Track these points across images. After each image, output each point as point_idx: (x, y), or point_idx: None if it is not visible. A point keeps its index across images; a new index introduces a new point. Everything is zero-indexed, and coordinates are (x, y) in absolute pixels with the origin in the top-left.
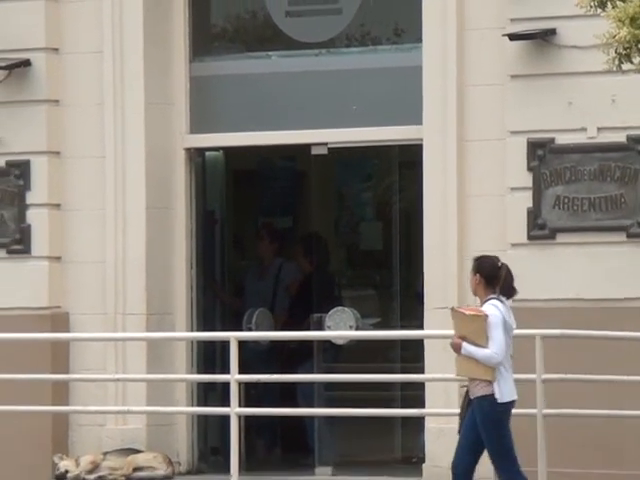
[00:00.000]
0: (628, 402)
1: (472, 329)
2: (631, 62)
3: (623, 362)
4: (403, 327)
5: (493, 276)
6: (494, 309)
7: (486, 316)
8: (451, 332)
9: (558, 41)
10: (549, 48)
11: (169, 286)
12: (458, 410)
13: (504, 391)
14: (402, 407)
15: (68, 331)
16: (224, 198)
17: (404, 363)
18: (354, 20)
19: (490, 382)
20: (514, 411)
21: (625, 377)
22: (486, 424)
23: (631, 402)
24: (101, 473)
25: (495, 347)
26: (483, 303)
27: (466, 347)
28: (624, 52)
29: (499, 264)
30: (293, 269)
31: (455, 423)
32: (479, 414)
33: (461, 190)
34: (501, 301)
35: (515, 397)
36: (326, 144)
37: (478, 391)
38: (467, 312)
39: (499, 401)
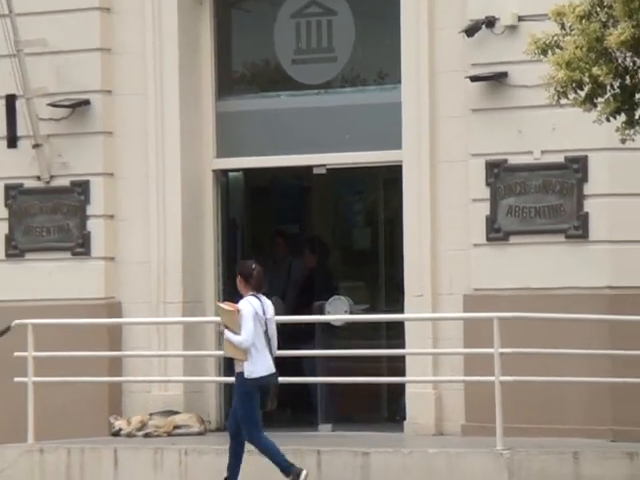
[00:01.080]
0: (567, 370)
1: (230, 320)
2: (567, 98)
3: (564, 338)
4: (387, 311)
5: (249, 275)
6: (247, 304)
7: (238, 310)
8: (425, 315)
9: (509, 82)
10: (502, 87)
11: (200, 280)
12: (432, 378)
13: (252, 369)
14: (388, 376)
15: (121, 317)
16: (244, 209)
17: (389, 340)
18: (346, 66)
19: (243, 362)
20: (479, 378)
21: (564, 350)
22: (238, 394)
23: (569, 370)
24: (148, 430)
25: (245, 335)
26: (243, 298)
27: (226, 334)
28: (562, 90)
29: (253, 266)
30: (300, 266)
31: (430, 389)
32: (235, 386)
33: (433, 201)
34: (257, 297)
35: (265, 373)
36: (325, 166)
37: (237, 368)
38: (225, 307)
39: (247, 377)
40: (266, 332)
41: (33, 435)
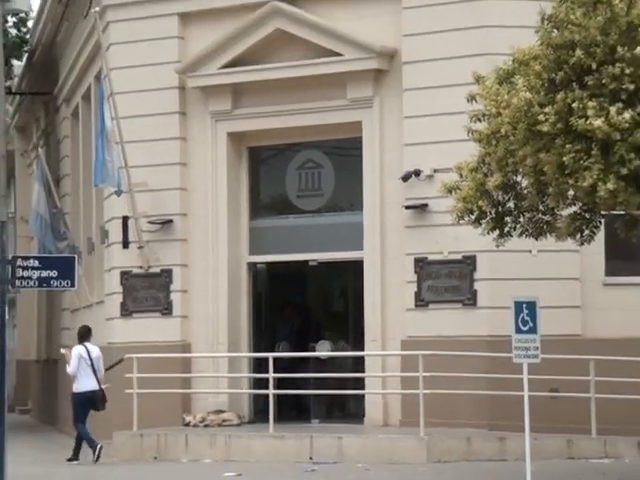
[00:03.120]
0: (463, 385)
1: (68, 357)
2: (464, 220)
3: (461, 365)
4: (354, 350)
5: (78, 335)
6: (75, 349)
7: (69, 353)
8: (378, 352)
9: (429, 209)
10: (425, 213)
11: (238, 330)
12: (382, 391)
13: (77, 387)
14: (354, 389)
15: (190, 352)
16: (266, 287)
17: (355, 367)
18: (329, 199)
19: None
20: (411, 391)
21: (461, 374)
22: (72, 403)
23: (464, 385)
24: (206, 423)
25: (69, 368)
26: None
27: (68, 366)
28: (460, 215)
29: (80, 330)
30: (299, 322)
31: (380, 397)
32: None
33: (382, 282)
34: (84, 345)
35: (88, 389)
36: (316, 260)
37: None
38: (63, 351)
39: (74, 391)
40: (91, 365)
41: (137, 425)
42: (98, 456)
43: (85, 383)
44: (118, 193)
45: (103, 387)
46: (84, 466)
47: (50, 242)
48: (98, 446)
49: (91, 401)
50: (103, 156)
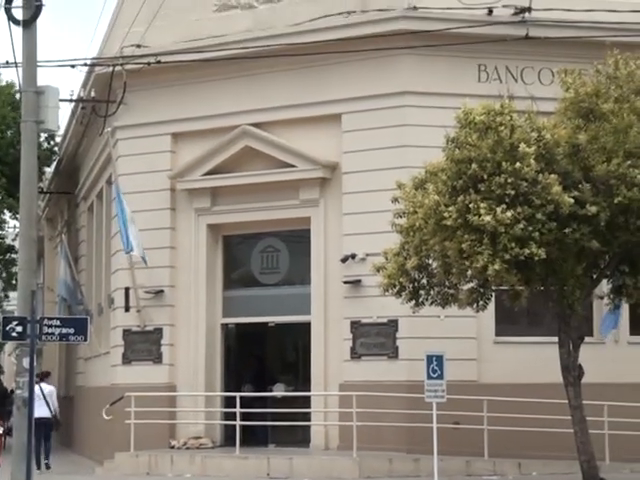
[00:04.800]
0: (386, 418)
1: None
2: (388, 292)
3: (387, 403)
4: (302, 391)
5: (39, 377)
6: (37, 386)
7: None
8: (321, 392)
9: (362, 284)
10: (359, 287)
11: (214, 374)
12: (323, 422)
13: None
14: (302, 421)
15: (175, 392)
16: (235, 342)
17: (303, 404)
18: (285, 275)
19: None
20: (346, 423)
21: (386, 410)
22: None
23: (387, 418)
24: (188, 445)
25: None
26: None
27: None
28: (386, 288)
29: (40, 374)
30: (260, 370)
31: (322, 427)
32: None
33: (326, 340)
34: (39, 385)
35: (40, 416)
36: (274, 322)
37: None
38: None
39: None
40: (44, 399)
41: (133, 447)
42: (39, 466)
43: (37, 412)
44: (144, 260)
45: (56, 415)
46: (89, 476)
47: (73, 303)
48: (43, 461)
49: (45, 426)
50: (127, 233)
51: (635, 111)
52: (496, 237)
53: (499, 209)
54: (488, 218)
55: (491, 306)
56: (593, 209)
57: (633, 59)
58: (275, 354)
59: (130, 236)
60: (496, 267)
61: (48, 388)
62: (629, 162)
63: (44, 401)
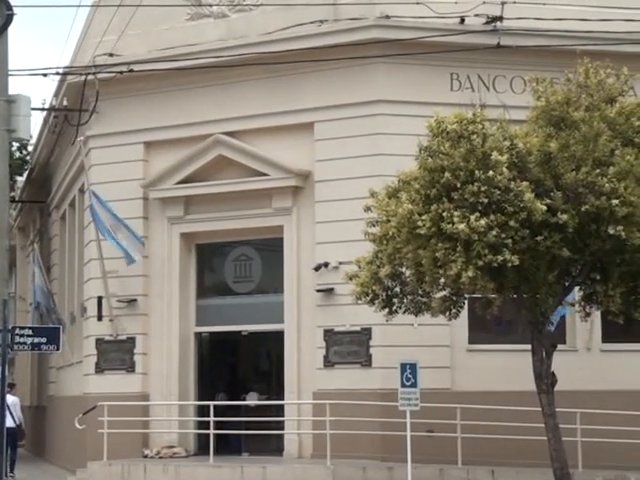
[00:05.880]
0: (362, 426)
1: None
2: (361, 299)
3: (360, 412)
4: (276, 399)
5: (8, 387)
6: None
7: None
8: (294, 401)
9: (335, 292)
10: (331, 295)
11: (187, 382)
12: (297, 431)
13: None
14: (276, 430)
15: (149, 401)
16: (208, 351)
17: (277, 413)
18: (258, 284)
19: None
20: (320, 431)
21: (360, 418)
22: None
23: (363, 426)
24: (161, 455)
25: None
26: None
27: None
28: (358, 296)
29: (9, 384)
30: (234, 379)
31: (296, 435)
32: None
33: (299, 348)
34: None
35: (8, 426)
36: (247, 331)
37: None
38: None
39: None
40: (8, 409)
41: (106, 456)
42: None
43: (8, 422)
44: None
45: (20, 425)
46: None
47: (49, 309)
48: (8, 474)
49: (10, 435)
50: (118, 242)
51: (605, 119)
52: (470, 245)
53: (473, 217)
54: (462, 226)
55: (464, 314)
56: (564, 217)
57: (603, 68)
58: (248, 363)
59: (124, 246)
60: (469, 274)
61: (12, 399)
62: (597, 170)
63: (8, 411)
